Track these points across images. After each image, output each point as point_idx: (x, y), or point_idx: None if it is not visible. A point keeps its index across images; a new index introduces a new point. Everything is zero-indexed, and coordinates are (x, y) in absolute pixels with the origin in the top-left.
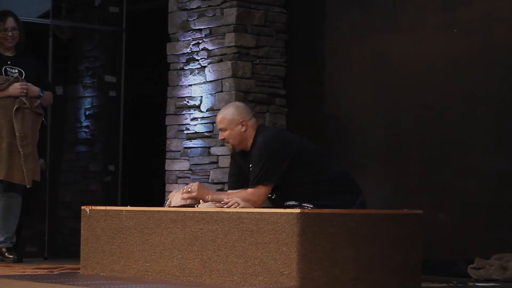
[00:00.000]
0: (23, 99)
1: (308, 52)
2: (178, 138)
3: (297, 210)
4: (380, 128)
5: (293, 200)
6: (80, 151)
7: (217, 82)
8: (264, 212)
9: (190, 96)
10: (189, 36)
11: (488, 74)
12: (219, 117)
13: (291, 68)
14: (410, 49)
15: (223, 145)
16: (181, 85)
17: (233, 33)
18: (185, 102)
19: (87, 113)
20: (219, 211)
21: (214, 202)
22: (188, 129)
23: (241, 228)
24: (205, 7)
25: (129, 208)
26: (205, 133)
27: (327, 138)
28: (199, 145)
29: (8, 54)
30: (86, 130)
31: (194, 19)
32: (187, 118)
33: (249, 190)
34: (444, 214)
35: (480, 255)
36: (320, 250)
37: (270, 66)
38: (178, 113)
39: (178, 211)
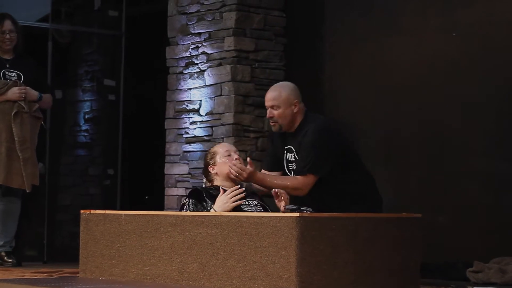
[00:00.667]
0: (22, 103)
1: (307, 55)
2: (177, 142)
3: (296, 214)
4: (379, 131)
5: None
6: (79, 154)
7: (216, 86)
8: (263, 216)
9: (189, 100)
10: (188, 40)
11: (487, 76)
12: (273, 94)
13: (290, 72)
14: (409, 51)
15: None
16: (180, 89)
17: (232, 37)
18: (184, 106)
19: (86, 116)
20: (218, 215)
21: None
22: (187, 133)
23: (240, 232)
24: (204, 11)
25: (128, 212)
26: (204, 137)
27: None
28: (198, 149)
29: (6, 57)
30: (85, 134)
31: (193, 23)
32: (186, 122)
33: (299, 177)
34: (443, 217)
35: (479, 258)
36: (319, 254)
37: (269, 70)
38: (177, 117)
39: (177, 215)
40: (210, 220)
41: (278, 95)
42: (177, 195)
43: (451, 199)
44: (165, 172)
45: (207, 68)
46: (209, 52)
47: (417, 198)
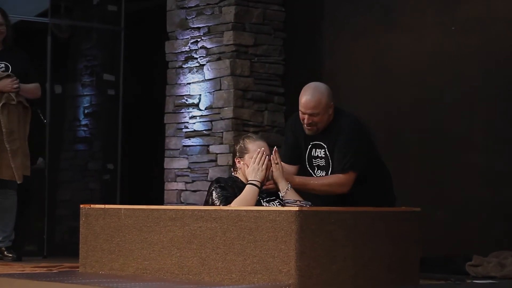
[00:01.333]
0: (12, 95)
1: (306, 50)
2: (177, 136)
3: (296, 208)
4: (378, 126)
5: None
6: (79, 149)
7: (216, 80)
8: (263, 210)
9: (189, 95)
10: (187, 35)
11: (486, 72)
12: (314, 102)
13: (289, 66)
14: (408, 46)
15: (221, 143)
16: (180, 84)
17: (231, 31)
18: (183, 100)
19: (86, 111)
20: (218, 209)
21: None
22: (187, 127)
23: (240, 226)
24: (204, 5)
25: (127, 206)
26: (204, 131)
27: None
28: (197, 143)
29: None
30: (85, 129)
31: (193, 18)
32: (185, 117)
33: (342, 175)
34: (443, 211)
35: (478, 252)
36: (319, 248)
37: (269, 64)
38: (177, 112)
39: (177, 209)
40: (210, 214)
41: (318, 103)
42: (176, 189)
43: (450, 193)
44: (165, 167)
45: (207, 62)
46: (209, 46)
47: (416, 193)
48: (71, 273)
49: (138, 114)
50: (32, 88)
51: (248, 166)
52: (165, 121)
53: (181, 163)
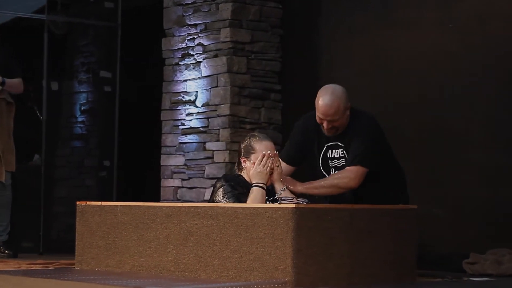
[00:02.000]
0: None
1: (303, 47)
2: (173, 133)
3: (292, 205)
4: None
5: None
6: (75, 146)
7: (212, 77)
8: (259, 207)
9: (186, 91)
10: (184, 31)
11: (485, 68)
12: (333, 109)
13: (286, 63)
14: (406, 43)
15: (218, 140)
16: (176, 80)
17: (228, 28)
18: (180, 97)
19: (82, 108)
20: (214, 206)
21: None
22: (184, 124)
23: (236, 223)
24: (201, 2)
25: (124, 203)
26: (200, 128)
27: None
28: (194, 140)
29: None
30: (82, 126)
31: (190, 14)
32: (182, 113)
33: (348, 169)
34: (440, 209)
35: (475, 250)
36: (315, 245)
37: (265, 61)
38: (173, 108)
39: (173, 206)
40: (206, 211)
41: (337, 110)
42: (173, 186)
43: (447, 191)
44: (161, 164)
45: (203, 59)
46: (205, 43)
47: (413, 190)
48: (67, 270)
49: (134, 111)
50: (15, 83)
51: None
52: (161, 118)
53: (178, 160)
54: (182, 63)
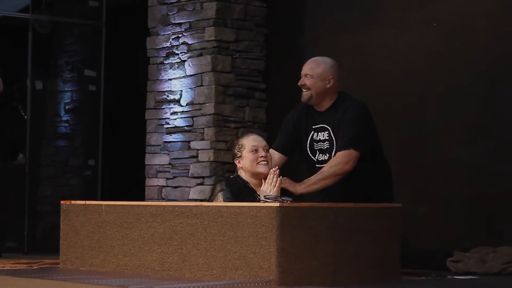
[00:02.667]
0: None
1: (288, 46)
2: (158, 132)
3: (276, 204)
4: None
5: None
6: (60, 145)
7: (197, 76)
8: (243, 206)
9: (170, 90)
10: (169, 30)
11: (467, 67)
12: (311, 64)
13: (270, 62)
14: (390, 42)
15: (203, 139)
16: (161, 79)
17: (213, 27)
18: (165, 96)
19: (67, 107)
20: (198, 205)
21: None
22: (168, 123)
23: (221, 222)
24: (185, 1)
25: (108, 202)
26: (185, 127)
27: None
28: (179, 139)
29: None
30: (66, 125)
31: (174, 13)
32: (167, 112)
33: (341, 153)
34: (424, 207)
35: (459, 248)
36: (300, 244)
37: (250, 60)
38: (158, 107)
39: (157, 205)
40: (191, 210)
41: (315, 66)
42: (157, 185)
43: (431, 189)
44: (146, 163)
45: (188, 58)
46: (190, 42)
47: (397, 188)
48: (52, 269)
49: (119, 110)
50: None
51: (248, 159)
52: (146, 117)
53: (162, 159)
54: (166, 62)
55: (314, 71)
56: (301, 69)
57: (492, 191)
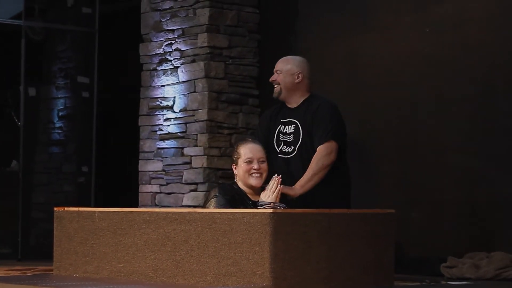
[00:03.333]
0: None
1: (281, 52)
2: (151, 138)
3: (270, 210)
4: (353, 127)
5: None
6: (53, 152)
7: (190, 83)
8: (237, 212)
9: (163, 97)
10: (161, 37)
11: (460, 73)
12: (282, 61)
13: (264, 68)
14: (383, 48)
15: (196, 146)
16: (154, 86)
17: (205, 34)
18: (158, 102)
19: (60, 114)
20: (192, 211)
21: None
22: (161, 130)
23: (214, 228)
24: (178, 7)
25: (102, 209)
26: (178, 134)
27: None
28: (172, 146)
29: None
30: (59, 131)
31: (167, 20)
32: (160, 119)
33: (323, 146)
34: (417, 212)
35: (453, 253)
36: (293, 250)
37: (243, 66)
38: (151, 114)
39: (151, 212)
40: (184, 216)
41: (284, 63)
42: (151, 192)
43: (425, 195)
44: (139, 169)
45: (181, 64)
46: (183, 48)
47: (390, 194)
48: (45, 276)
49: (112, 116)
50: None
51: (242, 168)
52: (139, 124)
53: (156, 166)
54: (159, 69)
55: (283, 67)
56: None
57: (486, 197)
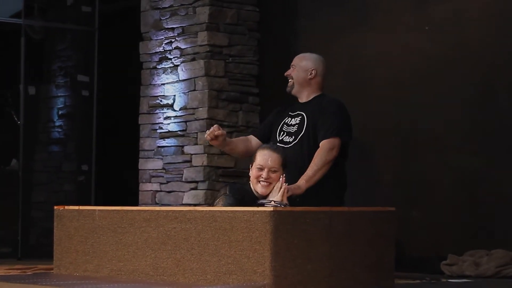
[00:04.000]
0: None
1: (281, 50)
2: (151, 137)
3: (270, 208)
4: (353, 125)
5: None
6: (53, 150)
7: (190, 81)
8: (237, 211)
9: (163, 95)
10: (161, 35)
11: (460, 71)
12: (298, 57)
13: (264, 67)
14: (383, 46)
15: (196, 144)
16: (154, 84)
17: (205, 32)
18: (158, 101)
19: (60, 112)
20: (192, 210)
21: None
22: (162, 128)
23: (214, 226)
24: (178, 6)
25: (102, 207)
26: (178, 132)
27: None
28: (172, 144)
29: None
30: (59, 130)
31: (167, 18)
32: (160, 117)
33: (326, 141)
34: (417, 211)
35: (453, 251)
36: (294, 248)
37: (243, 65)
38: (151, 112)
39: (151, 210)
40: (184, 215)
41: (300, 59)
42: (151, 190)
43: (425, 193)
44: (139, 168)
45: (181, 63)
46: (183, 47)
47: (391, 192)
48: (45, 275)
49: (112, 115)
50: None
51: (252, 173)
52: (139, 122)
53: (156, 164)
54: (159, 67)
55: (299, 63)
56: None
57: (486, 195)
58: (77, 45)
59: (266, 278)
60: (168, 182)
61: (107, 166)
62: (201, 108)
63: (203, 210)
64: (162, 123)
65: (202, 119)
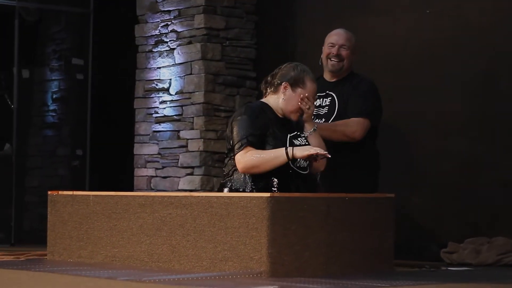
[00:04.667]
0: None
1: (278, 33)
2: (146, 121)
3: (267, 194)
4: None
5: None
6: (47, 135)
7: (186, 65)
8: (234, 196)
9: (159, 79)
10: (157, 18)
11: (460, 55)
12: (347, 35)
13: (261, 50)
14: (382, 29)
15: (192, 129)
16: (150, 68)
17: (202, 15)
18: (153, 85)
19: (54, 96)
20: (188, 195)
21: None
22: (157, 113)
23: (211, 212)
24: None
25: (96, 192)
26: (174, 117)
27: None
28: (168, 129)
29: None
30: (53, 114)
31: (163, 1)
32: (155, 101)
33: (355, 119)
34: (418, 197)
35: (453, 239)
36: (291, 234)
37: (240, 48)
38: (147, 96)
39: (146, 196)
40: (180, 200)
41: (350, 38)
42: (146, 175)
43: (425, 180)
44: (135, 153)
45: (177, 46)
46: (179, 30)
47: (391, 178)
48: (39, 261)
49: (107, 99)
50: None
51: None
52: (135, 106)
53: (151, 149)
54: (155, 50)
55: (351, 43)
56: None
57: (487, 182)
58: (71, 27)
59: (263, 265)
60: (163, 167)
61: (102, 151)
62: (197, 92)
63: (199, 196)
64: (157, 107)
65: (199, 103)
